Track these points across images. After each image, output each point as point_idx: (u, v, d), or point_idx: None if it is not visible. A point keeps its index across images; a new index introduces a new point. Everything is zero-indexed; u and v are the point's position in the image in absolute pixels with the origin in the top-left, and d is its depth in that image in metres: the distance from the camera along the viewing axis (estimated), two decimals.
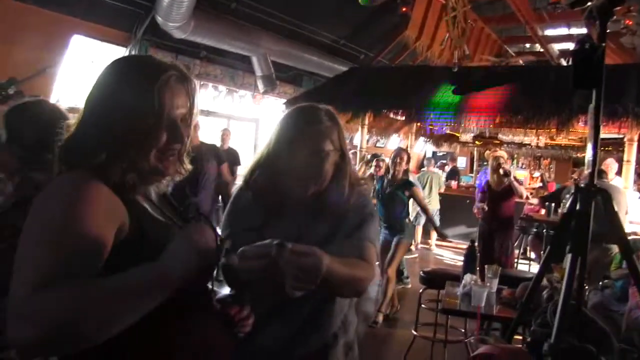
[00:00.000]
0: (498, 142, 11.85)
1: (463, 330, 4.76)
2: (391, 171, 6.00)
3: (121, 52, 9.07)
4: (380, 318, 5.75)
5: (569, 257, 2.02)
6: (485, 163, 11.27)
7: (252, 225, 1.65)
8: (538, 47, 14.25)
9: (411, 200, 5.95)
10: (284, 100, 9.99)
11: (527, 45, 15.38)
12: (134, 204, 1.24)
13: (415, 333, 4.91)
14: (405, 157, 6.04)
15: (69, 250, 1.03)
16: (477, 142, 12.65)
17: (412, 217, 7.76)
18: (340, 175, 1.72)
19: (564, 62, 12.85)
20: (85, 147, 1.22)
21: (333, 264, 1.37)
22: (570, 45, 13.33)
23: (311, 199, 1.70)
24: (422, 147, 13.51)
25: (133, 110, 1.24)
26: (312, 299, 1.61)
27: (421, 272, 5.13)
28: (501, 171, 6.40)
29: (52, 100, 8.38)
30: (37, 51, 8.09)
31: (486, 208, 6.50)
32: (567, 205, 2.16)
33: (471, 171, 14.03)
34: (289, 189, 1.70)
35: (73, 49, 8.66)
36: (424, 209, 6.39)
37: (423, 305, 5.00)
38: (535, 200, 8.77)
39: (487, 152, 11.49)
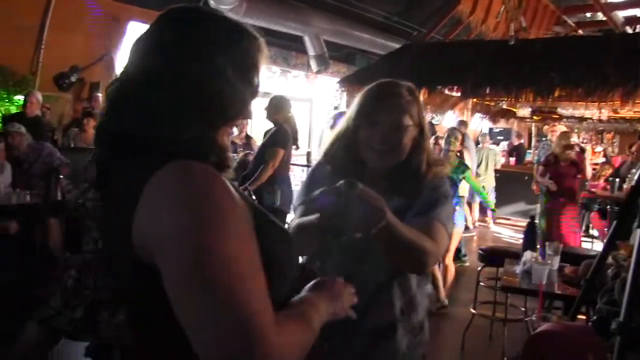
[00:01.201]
0: (557, 116, 11.46)
1: (523, 309, 4.66)
2: (444, 152, 5.84)
3: None
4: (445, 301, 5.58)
5: (637, 232, 1.93)
6: (544, 138, 10.92)
7: None
8: (600, 16, 13.62)
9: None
10: (338, 79, 9.94)
11: (588, 14, 14.73)
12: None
13: (473, 311, 4.84)
14: (460, 137, 5.88)
15: (257, 273, 0.89)
16: (535, 117, 12.27)
17: (467, 195, 7.62)
18: (417, 151, 1.74)
19: (629, 30, 12.25)
20: (180, 127, 0.99)
21: (397, 222, 1.44)
22: (638, 11, 12.70)
23: (388, 171, 1.74)
24: (478, 124, 13.21)
25: (240, 77, 1.06)
26: (377, 273, 1.68)
27: (479, 250, 5.04)
28: (577, 149, 6.14)
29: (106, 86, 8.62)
30: (97, 39, 8.32)
31: (553, 186, 6.26)
32: (635, 179, 2.07)
33: (529, 147, 13.63)
34: (367, 161, 1.74)
35: (130, 35, 8.85)
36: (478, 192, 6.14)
37: (482, 283, 4.91)
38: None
39: (546, 127, 11.12)
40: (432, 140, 6.93)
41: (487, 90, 7.85)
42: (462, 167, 5.72)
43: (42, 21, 7.76)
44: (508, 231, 9.89)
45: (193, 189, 0.89)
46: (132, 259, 0.94)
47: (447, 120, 11.92)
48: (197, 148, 0.97)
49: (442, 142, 6.30)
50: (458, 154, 5.90)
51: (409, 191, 1.72)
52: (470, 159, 7.62)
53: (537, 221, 4.31)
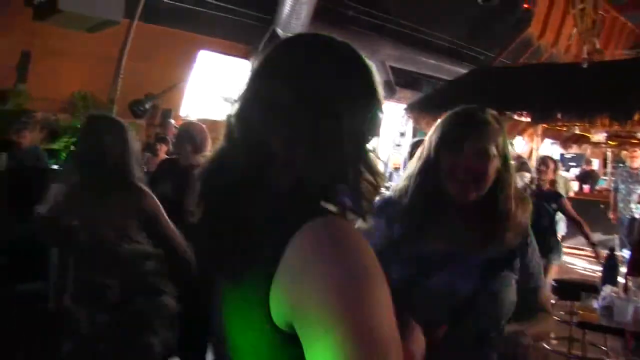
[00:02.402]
0: (636, 141, 10.96)
1: (604, 348, 4.41)
2: (535, 181, 5.55)
3: (244, 64, 9.46)
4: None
5: None
6: (621, 165, 10.46)
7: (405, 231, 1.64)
8: None
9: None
10: (404, 106, 9.90)
11: None
12: None
13: (548, 347, 4.64)
14: (551, 165, 5.56)
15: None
16: (610, 142, 11.79)
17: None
18: (502, 185, 1.62)
19: None
20: (320, 176, 0.91)
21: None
22: None
23: (471, 206, 1.62)
24: (548, 150, 12.83)
25: (373, 111, 0.98)
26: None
27: (552, 282, 4.84)
28: None
29: (182, 113, 8.93)
30: (169, 68, 8.64)
31: None
32: None
33: (604, 174, 13.08)
34: (449, 193, 1.62)
35: (199, 64, 9.16)
36: (579, 223, 5.63)
37: (556, 318, 4.71)
38: None
39: (624, 152, 10.65)
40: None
41: (559, 115, 7.62)
42: (554, 195, 5.45)
43: (121, 51, 8.13)
44: (581, 262, 9.47)
45: (343, 248, 0.82)
46: (268, 326, 0.85)
47: (515, 145, 11.64)
48: (342, 199, 0.91)
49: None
50: (549, 183, 5.57)
51: (494, 230, 1.61)
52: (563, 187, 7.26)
53: (617, 252, 4.09)
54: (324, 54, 0.98)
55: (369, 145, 0.98)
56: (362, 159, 0.95)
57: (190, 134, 3.41)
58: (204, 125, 3.62)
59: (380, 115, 1.00)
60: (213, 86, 9.46)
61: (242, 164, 0.93)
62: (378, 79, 1.02)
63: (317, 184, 0.90)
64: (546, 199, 5.26)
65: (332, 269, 0.80)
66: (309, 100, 0.92)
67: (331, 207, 0.89)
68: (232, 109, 0.99)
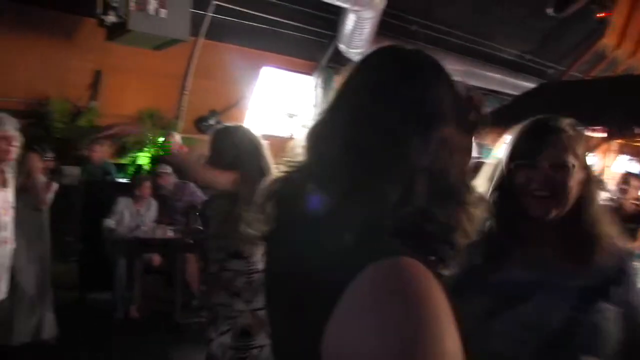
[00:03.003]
0: None
1: None
2: (617, 200, 4.97)
3: (307, 80, 9.49)
4: None
5: None
6: None
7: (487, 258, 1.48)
8: None
9: None
10: None
11: None
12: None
13: None
14: (635, 183, 5.11)
15: None
16: None
17: None
18: (588, 200, 1.43)
19: None
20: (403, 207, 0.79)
21: None
22: None
23: (552, 225, 1.43)
24: (624, 166, 12.24)
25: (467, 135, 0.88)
26: None
27: None
28: None
29: None
30: (233, 84, 8.75)
31: None
32: None
33: None
34: (526, 211, 1.45)
35: (262, 80, 9.24)
36: None
37: None
38: None
39: None
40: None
41: (638, 130, 7.23)
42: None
43: (186, 69, 8.31)
44: None
45: (406, 301, 0.69)
46: None
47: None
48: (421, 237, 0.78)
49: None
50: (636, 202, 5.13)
51: (583, 253, 1.42)
52: None
53: None
54: (410, 68, 0.89)
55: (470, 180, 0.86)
56: (463, 195, 0.83)
57: None
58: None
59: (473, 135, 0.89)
60: (276, 102, 9.53)
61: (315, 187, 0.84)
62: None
63: (401, 217, 0.78)
64: (632, 220, 4.62)
65: (392, 329, 0.67)
66: (404, 118, 0.82)
67: (407, 247, 0.75)
68: (310, 127, 0.90)
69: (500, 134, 1.65)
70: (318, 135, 0.89)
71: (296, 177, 0.90)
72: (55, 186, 4.51)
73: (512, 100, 10.13)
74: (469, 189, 0.85)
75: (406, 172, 0.79)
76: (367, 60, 0.93)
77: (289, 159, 0.93)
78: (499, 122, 1.68)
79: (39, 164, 4.48)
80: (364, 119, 0.83)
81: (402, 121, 0.81)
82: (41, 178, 4.43)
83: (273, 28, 8.31)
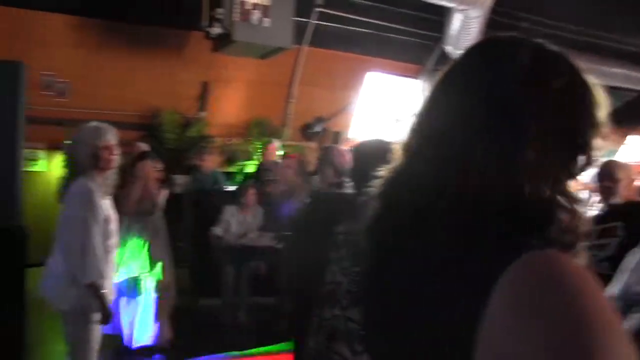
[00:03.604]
0: None
1: None
2: None
3: (413, 84, 9.28)
4: None
5: None
6: None
7: None
8: None
9: None
10: None
11: None
12: None
13: None
14: None
15: None
16: None
17: None
18: None
19: None
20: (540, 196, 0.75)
21: None
22: None
23: None
24: None
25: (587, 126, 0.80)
26: None
27: None
28: None
29: (350, 136, 8.96)
30: (338, 90, 8.73)
31: None
32: None
33: None
34: None
35: (368, 85, 9.14)
36: None
37: None
38: None
39: None
40: None
41: None
42: None
43: (291, 77, 8.39)
44: None
45: (572, 295, 0.63)
46: None
47: None
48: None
49: None
50: None
51: None
52: None
53: None
54: (520, 55, 0.82)
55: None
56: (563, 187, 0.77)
57: (330, 158, 3.30)
58: (344, 149, 3.51)
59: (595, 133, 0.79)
60: (382, 107, 9.39)
61: (428, 185, 0.80)
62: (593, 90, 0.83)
63: (529, 209, 0.73)
64: None
65: (559, 325, 0.60)
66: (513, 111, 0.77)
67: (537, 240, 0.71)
68: (414, 123, 0.87)
69: (625, 133, 1.43)
70: (429, 133, 0.84)
71: (408, 174, 0.85)
72: (165, 193, 4.68)
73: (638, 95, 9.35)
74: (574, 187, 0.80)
75: (527, 166, 0.74)
76: (468, 55, 0.87)
77: (394, 161, 0.90)
78: (625, 120, 1.45)
79: (152, 171, 4.66)
80: (480, 116, 0.78)
81: (516, 115, 0.76)
82: (153, 185, 4.60)
83: (377, 32, 8.19)
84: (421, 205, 0.80)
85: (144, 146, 5.69)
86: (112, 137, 2.98)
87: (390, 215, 0.86)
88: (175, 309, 4.82)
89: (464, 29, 7.88)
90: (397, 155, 0.89)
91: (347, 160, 3.41)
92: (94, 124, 3.01)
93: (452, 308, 0.71)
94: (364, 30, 8.15)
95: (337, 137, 8.69)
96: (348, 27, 8.07)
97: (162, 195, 4.65)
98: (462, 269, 0.71)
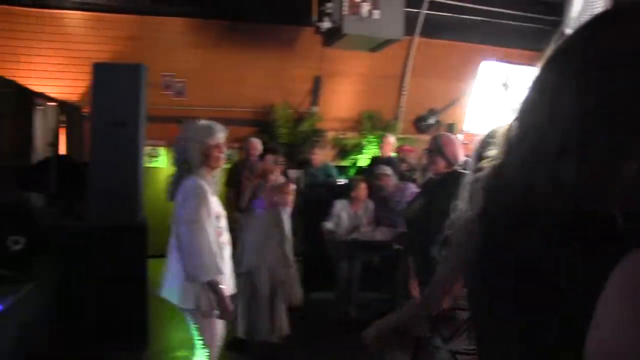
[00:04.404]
0: None
1: None
2: None
3: (532, 72, 8.80)
4: None
5: None
6: None
7: None
8: None
9: None
10: None
11: None
12: None
13: None
14: None
15: None
16: None
17: None
18: None
19: None
20: None
21: None
22: None
23: None
24: None
25: None
26: None
27: None
28: None
29: (465, 127, 8.67)
30: (451, 81, 8.47)
31: None
32: None
33: None
34: None
35: (482, 74, 8.78)
36: None
37: None
38: None
39: None
40: None
41: None
42: None
43: (403, 69, 8.27)
44: None
45: None
46: None
47: None
48: None
49: None
50: None
51: None
52: None
53: None
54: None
55: None
56: None
57: (439, 146, 3.13)
58: (453, 136, 3.33)
59: None
60: (498, 97, 8.99)
61: (519, 182, 0.74)
62: None
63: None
64: None
65: None
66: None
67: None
68: (518, 111, 0.80)
69: None
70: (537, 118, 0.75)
71: (504, 170, 0.80)
72: (292, 187, 4.61)
73: None
74: None
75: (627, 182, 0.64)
76: (579, 33, 0.74)
77: (498, 147, 0.83)
78: None
79: (274, 166, 4.66)
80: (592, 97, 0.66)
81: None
82: (280, 179, 4.59)
83: (491, 19, 7.86)
84: (517, 199, 0.74)
85: (255, 141, 5.80)
86: (222, 135, 3.00)
87: (493, 207, 0.82)
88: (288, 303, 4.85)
89: (587, 9, 7.35)
90: (500, 145, 0.83)
91: (457, 148, 3.28)
92: (204, 121, 3.04)
93: (562, 304, 0.68)
94: (477, 17, 7.86)
95: (451, 129, 8.44)
96: (460, 16, 7.81)
97: (289, 191, 4.57)
98: (570, 265, 0.67)
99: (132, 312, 4.45)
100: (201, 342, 2.97)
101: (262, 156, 4.78)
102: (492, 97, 8.88)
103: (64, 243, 4.30)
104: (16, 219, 4.05)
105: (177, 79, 7.40)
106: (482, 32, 8.16)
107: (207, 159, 2.93)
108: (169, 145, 7.48)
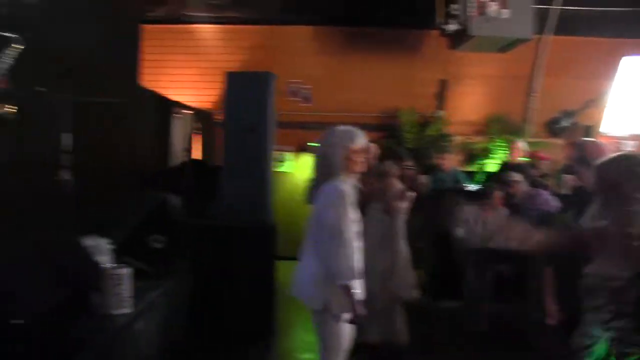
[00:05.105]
0: None
1: None
2: None
3: None
4: None
5: None
6: None
7: None
8: None
9: None
10: None
11: None
12: None
13: None
14: None
15: None
16: None
17: None
18: None
19: None
20: None
21: None
22: None
23: None
24: None
25: None
26: None
27: None
28: None
29: (603, 130, 8.09)
30: (587, 80, 7.97)
31: None
32: None
33: None
34: None
35: (623, 72, 8.15)
36: None
37: None
38: None
39: None
40: None
41: None
42: None
43: (532, 69, 7.91)
44: None
45: None
46: None
47: None
48: None
49: None
50: None
51: None
52: None
53: None
54: None
55: None
56: None
57: (585, 156, 2.90)
58: (601, 143, 3.07)
59: None
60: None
61: None
62: None
63: None
64: None
65: None
66: None
67: None
68: None
69: None
70: None
71: None
72: (411, 195, 4.53)
73: None
74: None
75: None
76: None
77: None
78: None
79: (394, 170, 4.62)
80: None
81: None
82: (397, 185, 4.55)
83: (633, 9, 7.29)
84: None
85: (372, 146, 5.77)
86: (363, 140, 3.00)
87: None
88: (413, 310, 4.75)
89: None
90: None
91: (606, 155, 3.03)
92: (345, 127, 3.05)
93: None
94: (616, 9, 7.32)
95: (588, 131, 7.91)
96: (597, 9, 7.31)
97: (405, 198, 4.53)
98: None
99: (259, 311, 4.58)
100: (327, 342, 2.97)
101: (381, 160, 4.74)
102: (634, 95, 8.22)
103: (198, 242, 4.51)
104: (157, 219, 4.29)
105: (303, 86, 7.61)
106: (622, 25, 7.60)
107: (348, 164, 2.94)
108: (296, 150, 7.69)
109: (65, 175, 4.18)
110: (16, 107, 3.66)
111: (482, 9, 5.87)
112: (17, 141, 4.33)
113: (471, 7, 5.84)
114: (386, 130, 7.62)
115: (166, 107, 6.25)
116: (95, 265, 3.03)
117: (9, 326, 2.29)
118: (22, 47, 3.57)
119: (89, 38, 4.34)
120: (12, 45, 3.58)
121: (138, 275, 3.09)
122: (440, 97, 7.90)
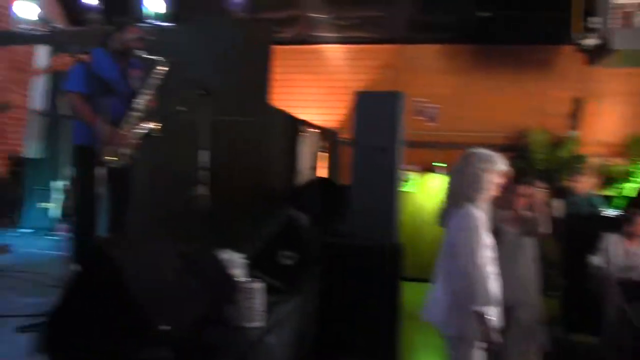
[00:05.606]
0: None
1: None
2: None
3: None
4: None
5: None
6: None
7: None
8: None
9: None
10: None
11: None
12: None
13: None
14: None
15: None
16: None
17: None
18: None
19: None
20: None
21: None
22: None
23: None
24: None
25: None
26: None
27: None
28: None
29: None
30: None
31: None
32: None
33: None
34: None
35: None
36: None
37: None
38: None
39: None
40: None
41: None
42: None
43: None
44: None
45: None
46: None
47: None
48: None
49: None
50: None
51: None
52: None
53: None
54: None
55: None
56: None
57: None
58: None
59: None
60: None
61: None
62: None
63: None
64: None
65: None
66: None
67: None
68: None
69: None
70: None
71: None
72: (545, 220, 4.35)
73: None
74: None
75: None
76: None
77: None
78: None
79: (528, 193, 4.45)
80: None
81: None
82: (532, 209, 4.37)
83: None
84: None
85: (510, 171, 5.56)
86: (503, 164, 2.92)
87: None
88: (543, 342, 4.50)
89: None
90: None
91: None
92: (484, 150, 2.98)
93: None
94: None
95: None
96: None
97: (545, 218, 4.34)
98: None
99: (383, 331, 4.53)
100: None
101: (512, 182, 4.57)
102: None
103: (326, 259, 4.56)
104: (287, 236, 4.40)
105: (429, 105, 7.52)
106: None
107: (484, 189, 2.87)
108: (420, 170, 7.61)
109: (203, 190, 4.43)
110: (161, 125, 3.95)
111: (627, 20, 5.51)
112: (163, 157, 4.65)
113: (614, 19, 5.50)
114: (515, 151, 7.35)
115: (294, 125, 6.41)
116: (231, 278, 3.16)
117: (157, 331, 2.42)
118: (167, 69, 3.86)
119: (225, 61, 4.57)
120: (158, 67, 3.88)
121: (269, 290, 3.18)
122: (574, 116, 7.52)
